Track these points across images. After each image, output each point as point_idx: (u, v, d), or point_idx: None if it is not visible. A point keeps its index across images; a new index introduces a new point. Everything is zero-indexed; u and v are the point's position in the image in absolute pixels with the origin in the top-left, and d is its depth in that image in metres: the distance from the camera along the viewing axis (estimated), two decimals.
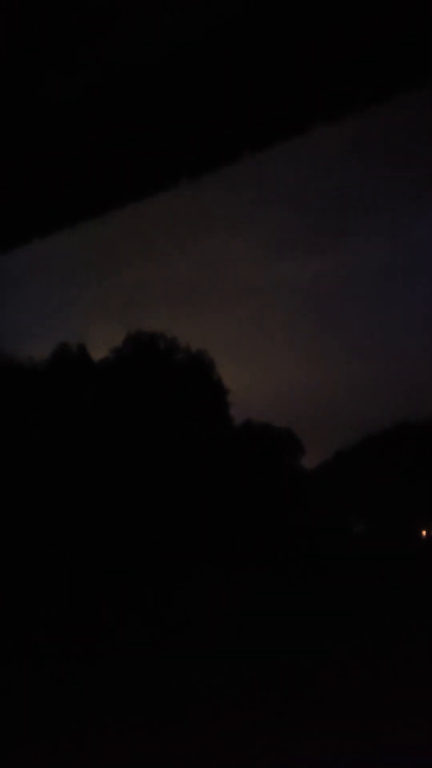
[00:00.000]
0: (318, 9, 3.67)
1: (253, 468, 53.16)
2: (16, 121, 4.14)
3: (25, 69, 4.13)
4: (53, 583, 38.59)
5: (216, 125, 4.33)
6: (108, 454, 45.99)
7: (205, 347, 53.84)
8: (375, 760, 15.38)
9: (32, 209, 4.89)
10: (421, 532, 71.30)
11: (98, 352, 52.57)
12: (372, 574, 44.03)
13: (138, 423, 47.28)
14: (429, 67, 4.03)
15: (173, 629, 32.18)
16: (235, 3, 3.35)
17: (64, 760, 16.06)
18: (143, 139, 4.56)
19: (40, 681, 24.26)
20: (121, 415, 47.82)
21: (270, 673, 23.47)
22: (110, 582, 39.79)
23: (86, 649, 29.32)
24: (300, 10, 3.67)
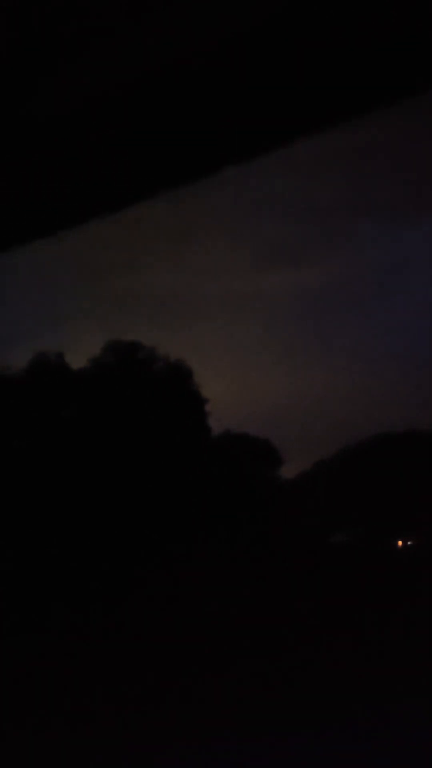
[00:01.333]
0: (305, 20, 3.63)
1: (230, 478, 53.09)
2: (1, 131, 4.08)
3: (11, 81, 4.06)
4: (33, 593, 38.30)
5: (202, 134, 4.27)
6: (85, 465, 45.79)
7: (185, 357, 53.79)
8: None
9: (11, 217, 4.82)
10: (397, 542, 71.51)
11: (77, 360, 52.41)
12: (350, 583, 44.03)
13: (116, 432, 47.12)
14: (417, 77, 3.99)
15: (151, 642, 32.02)
16: (230, 9, 3.30)
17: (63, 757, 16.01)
18: (127, 146, 4.49)
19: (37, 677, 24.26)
20: (98, 424, 47.63)
21: (252, 681, 23.47)
22: (86, 594, 39.54)
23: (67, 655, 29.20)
24: (288, 20, 3.63)
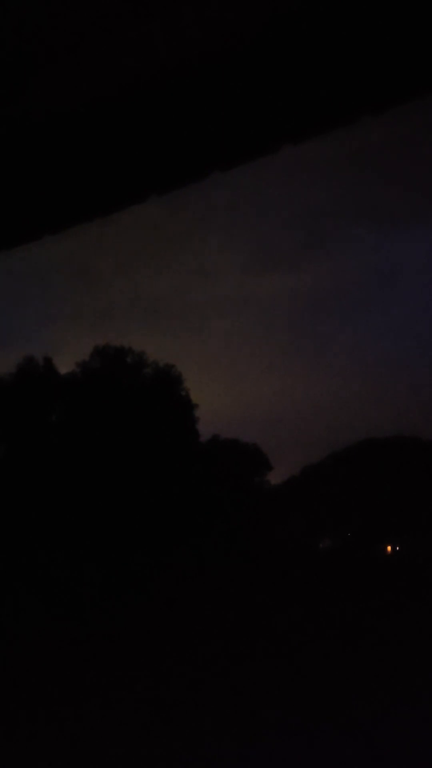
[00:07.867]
0: (300, 27, 3.55)
1: (219, 483, 53.06)
2: None
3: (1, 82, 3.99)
4: (16, 595, 38.17)
5: (195, 137, 4.19)
6: (74, 469, 45.65)
7: (174, 362, 53.78)
8: None
9: (1, 220, 4.73)
10: (386, 548, 71.78)
11: (65, 365, 52.37)
12: (338, 588, 44.07)
13: (103, 437, 46.99)
14: (408, 85, 3.92)
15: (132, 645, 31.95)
16: (225, 12, 3.23)
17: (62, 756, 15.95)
18: (120, 150, 4.41)
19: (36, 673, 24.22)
20: (86, 429, 47.49)
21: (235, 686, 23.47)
22: (68, 598, 39.44)
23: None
24: (283, 26, 3.55)
